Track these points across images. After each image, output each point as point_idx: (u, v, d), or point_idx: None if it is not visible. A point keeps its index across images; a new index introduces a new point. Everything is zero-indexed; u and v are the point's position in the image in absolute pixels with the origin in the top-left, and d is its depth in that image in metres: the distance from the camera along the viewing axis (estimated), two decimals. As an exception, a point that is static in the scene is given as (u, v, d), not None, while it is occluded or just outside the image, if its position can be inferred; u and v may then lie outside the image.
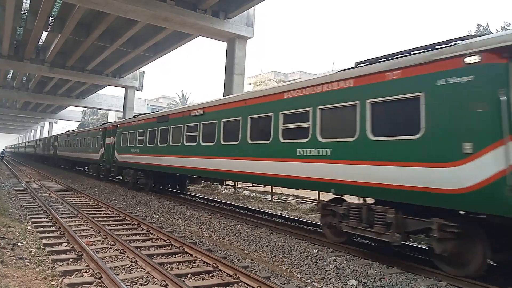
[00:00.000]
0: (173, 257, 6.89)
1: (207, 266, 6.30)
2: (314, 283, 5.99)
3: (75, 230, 8.38)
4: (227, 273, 5.88)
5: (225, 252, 7.52)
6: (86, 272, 5.77)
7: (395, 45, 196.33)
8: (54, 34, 26.91)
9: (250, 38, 21.99)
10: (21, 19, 24.75)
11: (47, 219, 9.70)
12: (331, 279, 6.04)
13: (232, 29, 21.12)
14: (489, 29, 27.32)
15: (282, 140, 8.51)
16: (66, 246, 7.24)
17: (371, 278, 5.96)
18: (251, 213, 12.28)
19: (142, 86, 40.59)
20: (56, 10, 23.42)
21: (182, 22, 20.43)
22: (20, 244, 7.29)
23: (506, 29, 25.75)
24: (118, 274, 5.60)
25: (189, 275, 5.84)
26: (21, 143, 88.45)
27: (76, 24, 23.78)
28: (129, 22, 23.10)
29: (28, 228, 8.80)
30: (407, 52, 6.47)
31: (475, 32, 27.63)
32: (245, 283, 5.50)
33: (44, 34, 28.06)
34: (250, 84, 51.15)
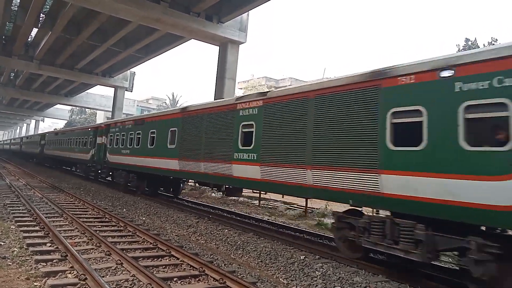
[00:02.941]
0: (159, 260, 6.84)
1: (193, 270, 6.27)
2: (300, 290, 6.01)
3: (60, 231, 8.26)
4: (213, 278, 5.86)
5: (212, 256, 7.48)
6: (70, 273, 5.69)
7: (385, 55, 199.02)
8: (44, 31, 26.59)
9: (243, 43, 22.06)
10: (11, 14, 24.40)
11: (31, 218, 9.53)
12: (317, 286, 6.06)
13: (225, 34, 21.16)
14: (477, 43, 27.92)
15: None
16: (50, 246, 7.12)
17: (357, 286, 6.01)
18: (239, 218, 12.26)
19: (132, 86, 40.34)
20: (48, 7, 23.16)
21: (175, 24, 20.39)
22: (2, 243, 7.13)
23: (493, 44, 26.33)
24: (103, 276, 5.54)
25: (175, 279, 5.80)
26: (27, 137, 54.71)
27: (68, 22, 23.56)
28: (121, 22, 22.98)
29: (11, 227, 8.62)
30: None
31: (463, 46, 28.23)
32: (231, 288, 5.49)
33: (34, 30, 27.71)
34: (241, 89, 51.21)
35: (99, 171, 21.75)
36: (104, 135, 20.02)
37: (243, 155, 9.50)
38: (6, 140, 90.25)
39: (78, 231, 8.59)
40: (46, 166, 35.25)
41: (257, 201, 16.82)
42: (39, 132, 53.46)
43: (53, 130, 49.61)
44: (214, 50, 22.72)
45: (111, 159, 18.61)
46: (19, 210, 10.77)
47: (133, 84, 40.36)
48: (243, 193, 17.43)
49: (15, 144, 61.57)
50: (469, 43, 28.26)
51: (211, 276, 5.93)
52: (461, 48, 28.10)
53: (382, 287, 6.00)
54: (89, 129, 23.42)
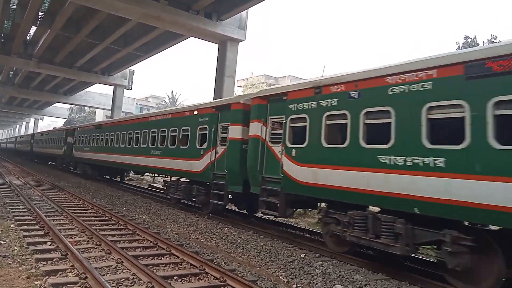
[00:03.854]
0: (159, 258, 6.84)
1: (193, 268, 6.27)
2: (300, 288, 6.02)
3: (60, 229, 8.26)
4: (214, 276, 5.87)
5: (212, 254, 7.49)
6: (70, 272, 5.69)
7: (384, 52, 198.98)
8: (43, 29, 26.52)
9: (242, 40, 22.01)
10: (9, 12, 24.33)
11: (31, 217, 9.54)
12: (317, 284, 6.07)
13: (224, 31, 21.12)
14: (477, 41, 27.90)
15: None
16: (50, 245, 7.12)
17: (357, 284, 6.02)
18: (238, 216, 12.27)
19: (132, 85, 40.26)
20: (46, 4, 23.05)
21: (174, 22, 20.34)
22: (2, 242, 7.14)
23: (493, 42, 26.35)
24: (104, 275, 5.54)
25: (175, 277, 5.81)
26: (41, 134, 40.99)
27: (66, 20, 23.48)
28: (120, 19, 22.90)
29: (11, 226, 8.62)
30: None
31: (463, 43, 28.22)
32: (232, 286, 5.48)
33: (33, 28, 27.64)
34: (241, 86, 51.22)
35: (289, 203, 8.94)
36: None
37: None
38: (10, 138, 77.37)
39: (78, 230, 8.60)
40: (77, 174, 25.34)
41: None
42: (61, 127, 42.72)
43: (90, 122, 40.84)
44: (213, 48, 22.53)
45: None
46: (19, 209, 10.77)
47: (132, 82, 40.28)
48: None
49: (23, 143, 49.04)
50: (469, 40, 28.23)
51: (211, 275, 5.93)
52: (461, 46, 28.08)
53: (382, 285, 6.01)
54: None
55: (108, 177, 23.31)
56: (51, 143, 32.75)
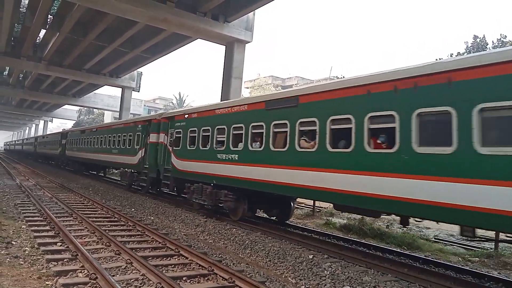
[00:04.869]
0: (168, 259, 6.89)
1: (202, 269, 6.30)
2: (309, 289, 6.00)
3: (70, 230, 8.34)
4: (222, 277, 5.89)
5: (220, 255, 7.52)
6: (81, 272, 5.76)
7: (391, 53, 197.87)
8: (52, 32, 26.82)
9: (249, 42, 22.01)
10: (20, 16, 24.64)
11: (41, 218, 9.65)
12: (326, 285, 6.06)
13: (231, 33, 21.15)
14: (486, 40, 27.59)
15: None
16: (60, 245, 7.21)
17: (366, 286, 5.99)
18: (246, 217, 12.25)
19: (140, 86, 40.52)
20: (55, 8, 23.35)
21: (181, 24, 20.43)
22: (14, 243, 7.23)
23: (502, 41, 26.06)
24: (114, 275, 5.59)
25: (184, 278, 5.84)
26: (82, 131, 27.71)
27: (75, 23, 23.73)
28: (128, 22, 23.08)
29: (22, 226, 8.73)
30: None
31: (472, 43, 27.92)
32: (240, 287, 5.50)
33: (42, 31, 27.98)
34: (248, 88, 51.22)
35: None
36: None
37: None
38: (28, 139, 62.07)
39: (87, 231, 8.68)
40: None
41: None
42: (133, 118, 27.22)
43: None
44: (220, 49, 22.50)
45: None
46: (29, 210, 10.91)
47: (140, 84, 40.55)
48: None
49: (47, 145, 38.11)
50: (478, 40, 27.92)
51: (220, 275, 5.96)
52: (469, 45, 27.80)
53: (392, 287, 5.98)
54: None
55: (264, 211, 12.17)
56: (102, 144, 21.80)
